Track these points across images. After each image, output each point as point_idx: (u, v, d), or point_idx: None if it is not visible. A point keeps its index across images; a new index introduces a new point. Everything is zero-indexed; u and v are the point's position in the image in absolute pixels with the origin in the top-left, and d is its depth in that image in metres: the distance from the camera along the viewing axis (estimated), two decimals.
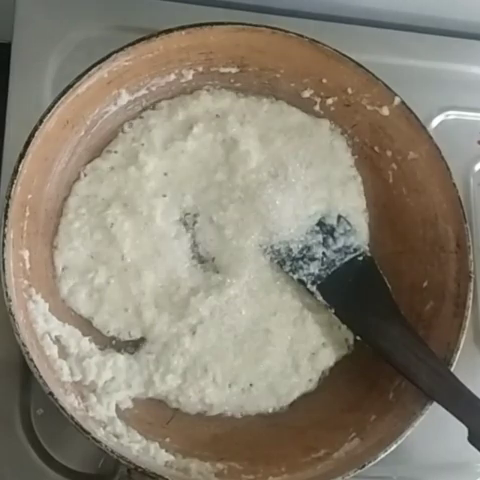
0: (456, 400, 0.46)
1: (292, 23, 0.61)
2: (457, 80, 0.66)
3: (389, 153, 0.54)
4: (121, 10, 0.60)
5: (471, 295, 0.49)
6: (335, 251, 0.52)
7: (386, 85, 0.52)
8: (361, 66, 0.52)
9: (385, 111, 0.53)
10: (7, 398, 0.50)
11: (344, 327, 0.52)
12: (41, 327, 0.45)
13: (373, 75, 0.52)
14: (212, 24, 0.49)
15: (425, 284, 0.52)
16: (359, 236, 0.54)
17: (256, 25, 0.50)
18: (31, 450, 0.49)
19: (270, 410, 0.50)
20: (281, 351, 0.50)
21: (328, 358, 0.51)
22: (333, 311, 0.51)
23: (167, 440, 0.47)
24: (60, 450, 0.50)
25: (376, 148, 0.55)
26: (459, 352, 0.48)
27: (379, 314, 0.50)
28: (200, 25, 0.49)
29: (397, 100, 0.52)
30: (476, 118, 0.65)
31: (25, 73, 0.56)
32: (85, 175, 0.50)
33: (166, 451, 0.45)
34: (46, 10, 0.58)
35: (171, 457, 0.45)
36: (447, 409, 0.46)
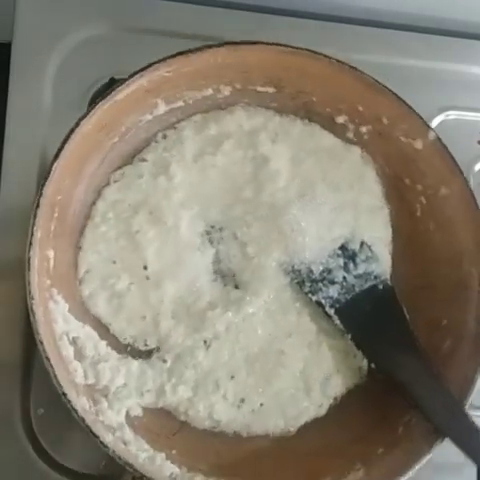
0: (468, 437, 0.45)
1: (292, 23, 0.62)
2: (457, 80, 0.65)
3: (419, 187, 0.54)
4: (121, 10, 0.60)
5: None
6: (355, 276, 0.52)
7: (422, 119, 0.52)
8: (399, 98, 0.52)
9: (419, 144, 0.52)
10: (7, 398, 0.50)
11: (359, 356, 0.51)
12: (60, 327, 0.45)
13: (410, 107, 0.52)
14: (253, 43, 0.50)
15: (444, 322, 0.51)
16: (381, 265, 0.53)
17: (297, 47, 0.50)
18: (31, 450, 0.49)
19: (277, 432, 0.49)
20: (293, 374, 0.50)
21: (340, 385, 0.51)
22: (349, 336, 0.50)
23: (173, 452, 0.46)
24: (60, 450, 0.49)
25: (406, 180, 0.54)
26: (473, 393, 0.47)
27: (396, 344, 0.49)
28: (240, 43, 0.49)
29: (432, 134, 0.52)
30: (476, 118, 0.65)
31: (25, 73, 0.56)
32: (115, 181, 0.51)
33: (172, 462, 0.45)
34: (46, 10, 0.58)
35: (176, 469, 0.45)
36: (458, 445, 0.45)
